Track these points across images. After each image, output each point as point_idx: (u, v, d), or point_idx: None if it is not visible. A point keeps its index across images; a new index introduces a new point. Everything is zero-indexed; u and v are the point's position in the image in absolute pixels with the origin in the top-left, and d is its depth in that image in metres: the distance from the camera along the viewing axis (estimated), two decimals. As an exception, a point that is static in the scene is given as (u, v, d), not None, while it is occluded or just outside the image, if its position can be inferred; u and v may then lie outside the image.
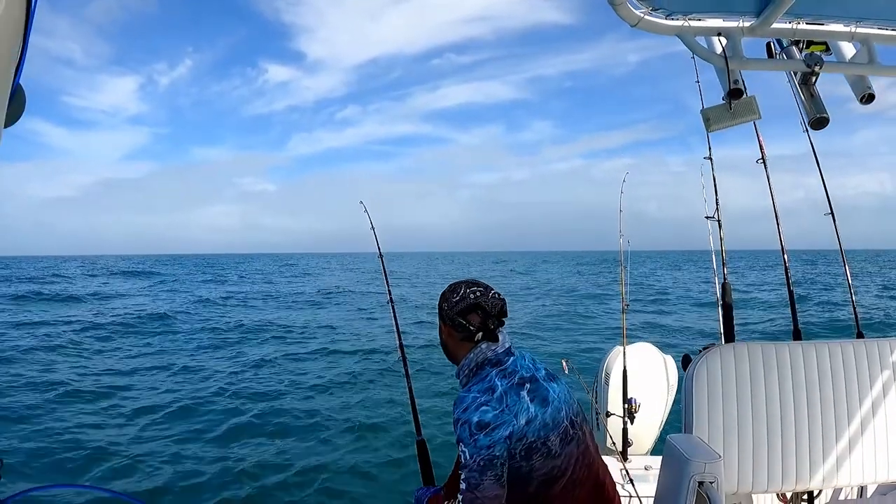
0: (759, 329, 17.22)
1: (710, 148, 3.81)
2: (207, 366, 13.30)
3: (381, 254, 3.79)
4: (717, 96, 2.30)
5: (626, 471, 3.78)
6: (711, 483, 1.83)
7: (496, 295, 2.14)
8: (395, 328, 3.31)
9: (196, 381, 11.68)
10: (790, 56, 2.30)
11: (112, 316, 22.42)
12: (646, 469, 4.26)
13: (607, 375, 4.89)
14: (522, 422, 1.93)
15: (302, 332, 18.62)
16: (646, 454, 4.75)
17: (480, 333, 2.09)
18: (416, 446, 2.77)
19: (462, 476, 1.93)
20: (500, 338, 2.13)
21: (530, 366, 2.10)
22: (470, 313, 2.09)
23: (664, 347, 5.13)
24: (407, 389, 3.06)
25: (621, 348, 4.82)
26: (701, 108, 2.29)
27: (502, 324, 2.15)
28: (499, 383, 2.00)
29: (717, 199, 3.77)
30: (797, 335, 3.56)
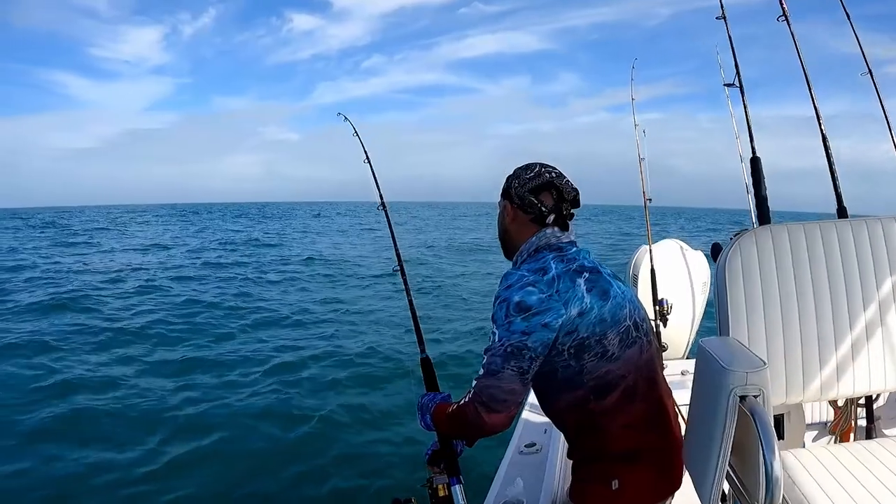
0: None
1: (721, 4, 3.26)
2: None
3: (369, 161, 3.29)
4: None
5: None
6: (756, 397, 1.47)
7: (570, 182, 1.96)
8: (392, 241, 2.95)
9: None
10: None
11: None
12: (682, 374, 3.96)
13: (634, 277, 4.56)
14: (574, 312, 1.72)
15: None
16: (682, 358, 4.47)
17: (552, 216, 1.90)
18: (419, 364, 2.47)
19: (483, 360, 1.77)
20: (570, 228, 1.95)
21: (594, 260, 1.92)
22: (543, 192, 1.92)
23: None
24: (407, 304, 2.75)
25: (647, 247, 4.46)
26: None
27: (572, 215, 1.97)
28: (553, 265, 1.80)
29: (735, 61, 3.24)
30: (842, 213, 3.13)
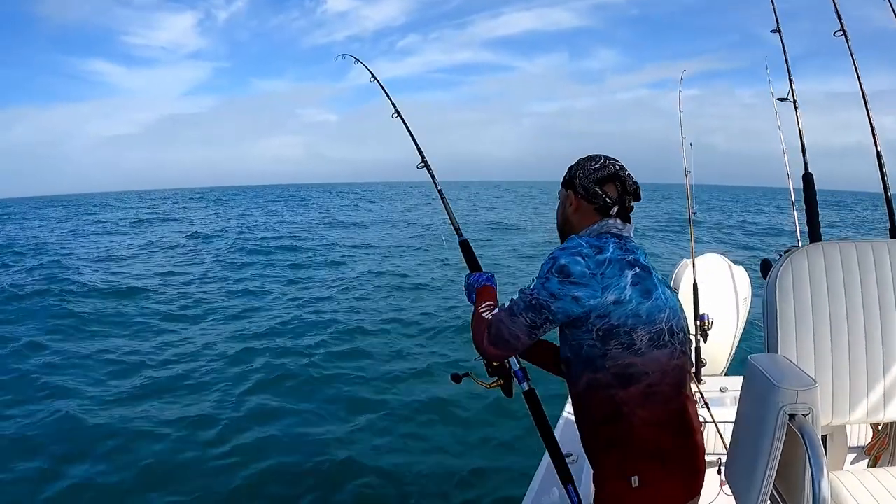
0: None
1: (776, 16, 3.20)
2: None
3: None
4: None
5: (701, 394, 3.41)
6: (805, 416, 1.45)
7: (632, 175, 2.00)
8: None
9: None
10: None
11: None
12: (721, 391, 3.91)
13: (675, 291, 4.51)
14: (609, 299, 1.76)
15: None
16: (720, 374, 4.40)
17: (616, 208, 1.95)
18: (459, 246, 2.59)
19: (512, 299, 1.88)
20: (631, 221, 2.00)
21: (649, 262, 1.94)
22: (607, 183, 1.96)
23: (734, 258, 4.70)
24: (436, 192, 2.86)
25: (689, 261, 4.41)
26: None
27: (632, 208, 2.02)
28: (611, 249, 1.84)
29: (789, 76, 3.19)
30: (895, 233, 3.07)
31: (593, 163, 1.98)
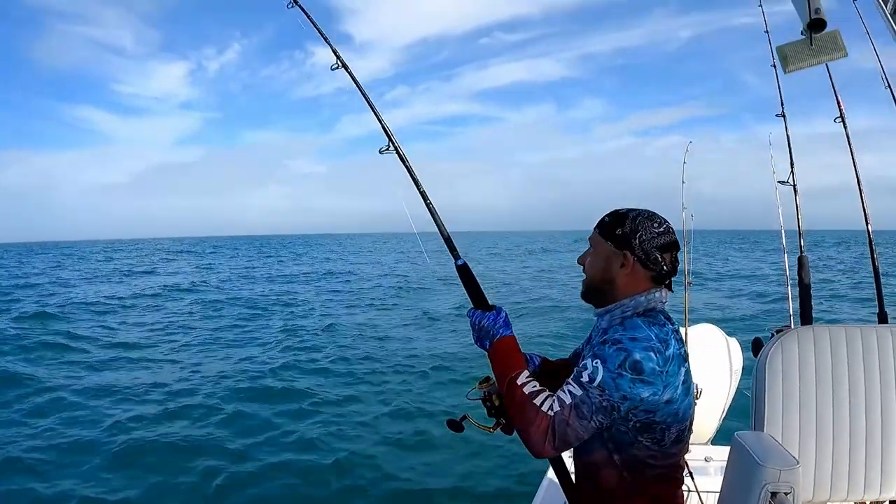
0: (827, 316, 16.25)
1: (782, 102, 3.35)
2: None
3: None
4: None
5: (686, 462, 3.45)
6: (787, 494, 1.51)
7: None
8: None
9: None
10: None
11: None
12: (706, 461, 3.94)
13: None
14: (664, 398, 1.66)
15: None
16: (706, 444, 4.42)
17: (670, 279, 1.81)
18: (457, 272, 2.13)
19: (576, 392, 1.64)
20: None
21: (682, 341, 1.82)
22: (667, 251, 1.79)
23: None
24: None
25: (683, 329, 4.48)
26: (771, 49, 1.94)
27: None
28: (673, 343, 1.71)
29: (791, 161, 3.33)
30: (883, 318, 3.16)
31: (656, 225, 1.79)
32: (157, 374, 10.69)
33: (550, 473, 3.35)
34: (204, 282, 29.76)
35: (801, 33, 1.86)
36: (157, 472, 6.38)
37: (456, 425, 2.01)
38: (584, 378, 1.65)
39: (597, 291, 1.87)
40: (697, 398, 4.11)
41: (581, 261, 1.94)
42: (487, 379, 1.97)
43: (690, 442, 4.19)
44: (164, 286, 26.81)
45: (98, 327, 16.10)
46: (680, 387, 1.69)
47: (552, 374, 2.09)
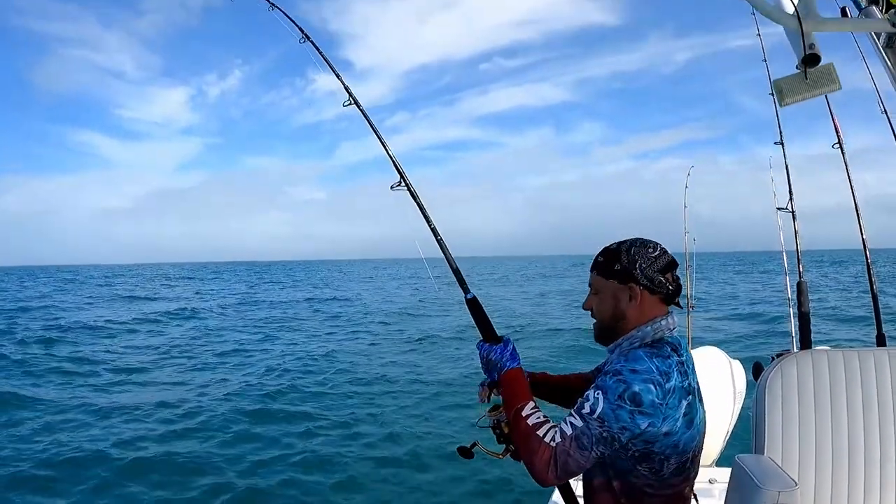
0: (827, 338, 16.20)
1: (780, 131, 3.44)
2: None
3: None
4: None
5: (694, 493, 3.48)
6: (785, 515, 1.56)
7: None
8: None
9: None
10: (870, 16, 1.98)
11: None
12: (710, 483, 3.95)
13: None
14: (663, 430, 1.67)
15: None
16: (710, 465, 4.44)
17: (676, 298, 1.84)
18: (466, 306, 2.18)
19: (577, 423, 1.68)
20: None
21: (693, 370, 1.84)
22: (668, 271, 1.83)
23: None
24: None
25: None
26: (769, 79, 2.01)
27: None
28: (675, 375, 1.71)
29: (790, 188, 3.41)
30: (881, 340, 3.21)
31: (650, 250, 1.83)
32: (160, 396, 10.79)
33: (556, 496, 3.38)
34: (205, 307, 29.81)
35: (797, 67, 1.93)
36: (163, 489, 6.52)
37: (466, 452, 2.04)
38: (586, 409, 1.68)
39: (610, 330, 1.89)
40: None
41: (587, 306, 1.96)
42: (497, 406, 2.00)
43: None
44: (166, 312, 26.88)
45: (102, 351, 16.23)
46: (680, 419, 1.70)
47: (565, 392, 2.14)
